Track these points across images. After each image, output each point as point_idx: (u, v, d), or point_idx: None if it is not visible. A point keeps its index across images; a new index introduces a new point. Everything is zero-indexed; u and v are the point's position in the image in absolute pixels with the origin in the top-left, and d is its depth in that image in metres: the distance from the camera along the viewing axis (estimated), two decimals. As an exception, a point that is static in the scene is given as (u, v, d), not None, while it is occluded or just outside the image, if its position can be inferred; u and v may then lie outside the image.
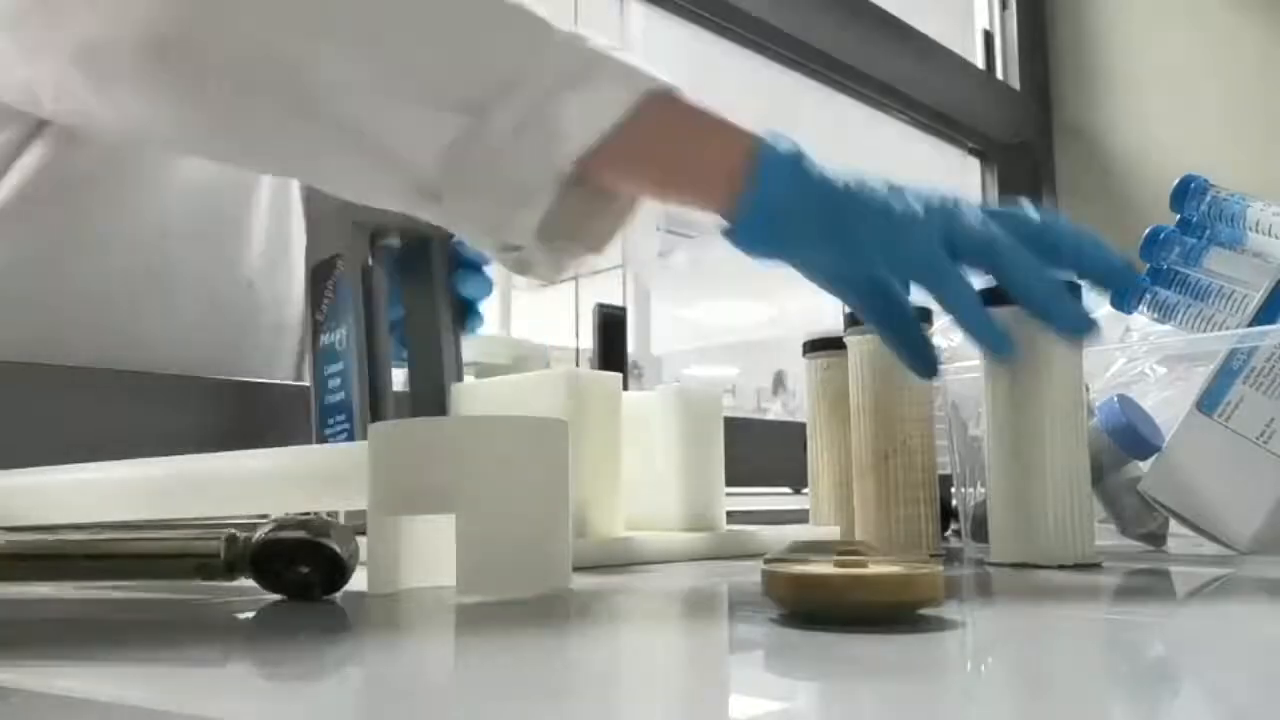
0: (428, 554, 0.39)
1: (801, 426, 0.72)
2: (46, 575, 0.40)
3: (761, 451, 0.65)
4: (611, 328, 0.76)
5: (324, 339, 0.61)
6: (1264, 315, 0.57)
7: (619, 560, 0.52)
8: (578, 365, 0.82)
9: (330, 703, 0.24)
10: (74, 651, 0.30)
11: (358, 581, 0.37)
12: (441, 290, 0.63)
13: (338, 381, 0.59)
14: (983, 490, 0.66)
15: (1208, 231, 0.64)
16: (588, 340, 0.79)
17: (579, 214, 0.48)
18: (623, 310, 0.77)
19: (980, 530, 0.65)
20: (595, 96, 0.45)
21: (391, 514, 0.38)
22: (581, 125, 0.45)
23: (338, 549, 0.36)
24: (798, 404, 2.13)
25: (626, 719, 0.22)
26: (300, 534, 0.37)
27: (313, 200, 0.63)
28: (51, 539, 0.39)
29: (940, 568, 0.32)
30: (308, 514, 0.38)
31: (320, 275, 0.61)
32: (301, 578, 0.36)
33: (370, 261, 0.61)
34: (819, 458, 0.70)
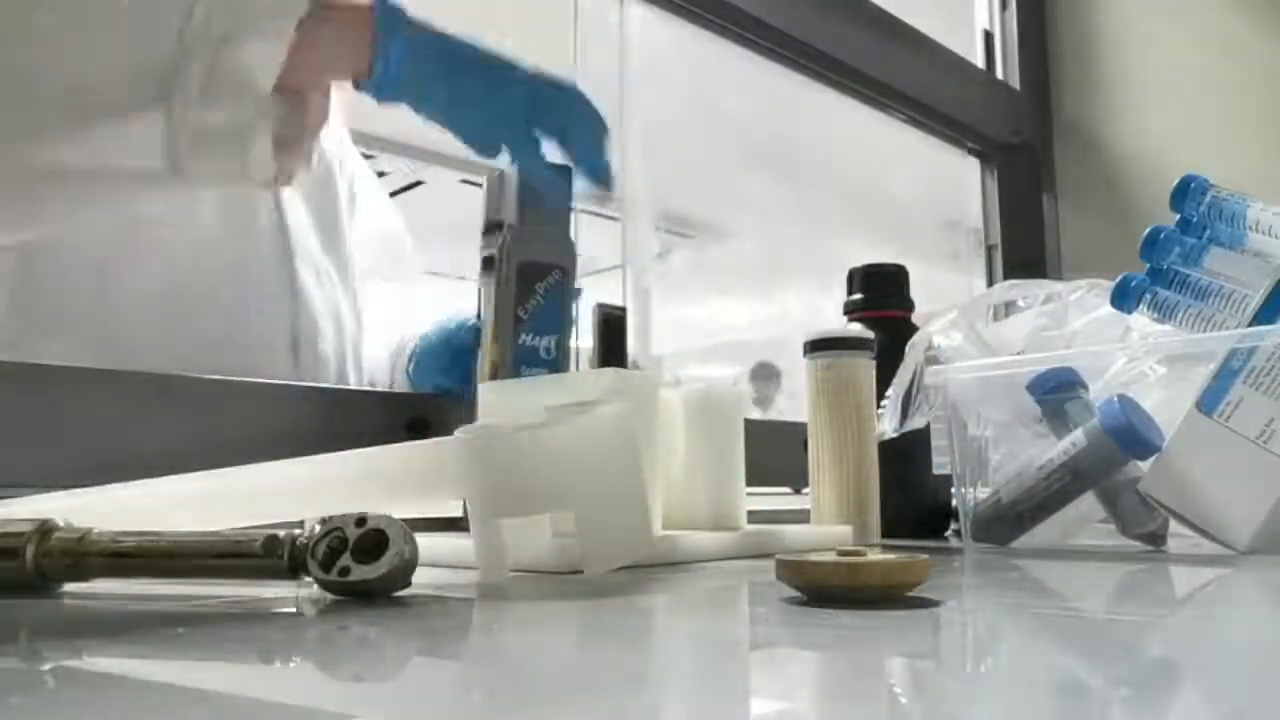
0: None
1: (802, 426, 0.72)
2: (127, 572, 0.39)
3: (761, 451, 0.65)
4: (611, 327, 0.76)
5: (525, 339, 0.61)
6: (1264, 315, 0.57)
7: (661, 559, 0.52)
8: (577, 365, 0.82)
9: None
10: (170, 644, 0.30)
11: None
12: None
13: None
14: (984, 490, 0.66)
15: (1208, 231, 0.64)
16: (588, 340, 0.79)
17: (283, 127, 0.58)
18: (623, 310, 0.77)
19: (981, 530, 0.65)
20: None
21: (498, 516, 0.41)
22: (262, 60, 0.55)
23: (405, 548, 0.37)
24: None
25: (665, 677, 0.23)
26: (365, 530, 0.37)
27: (525, 200, 0.63)
28: (119, 540, 0.39)
29: (926, 556, 0.37)
30: (364, 516, 0.38)
31: (530, 275, 0.62)
32: (379, 578, 0.36)
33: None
34: (819, 458, 0.70)
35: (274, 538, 0.37)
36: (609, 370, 0.55)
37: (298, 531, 0.38)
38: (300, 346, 0.76)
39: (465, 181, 2.27)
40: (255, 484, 0.45)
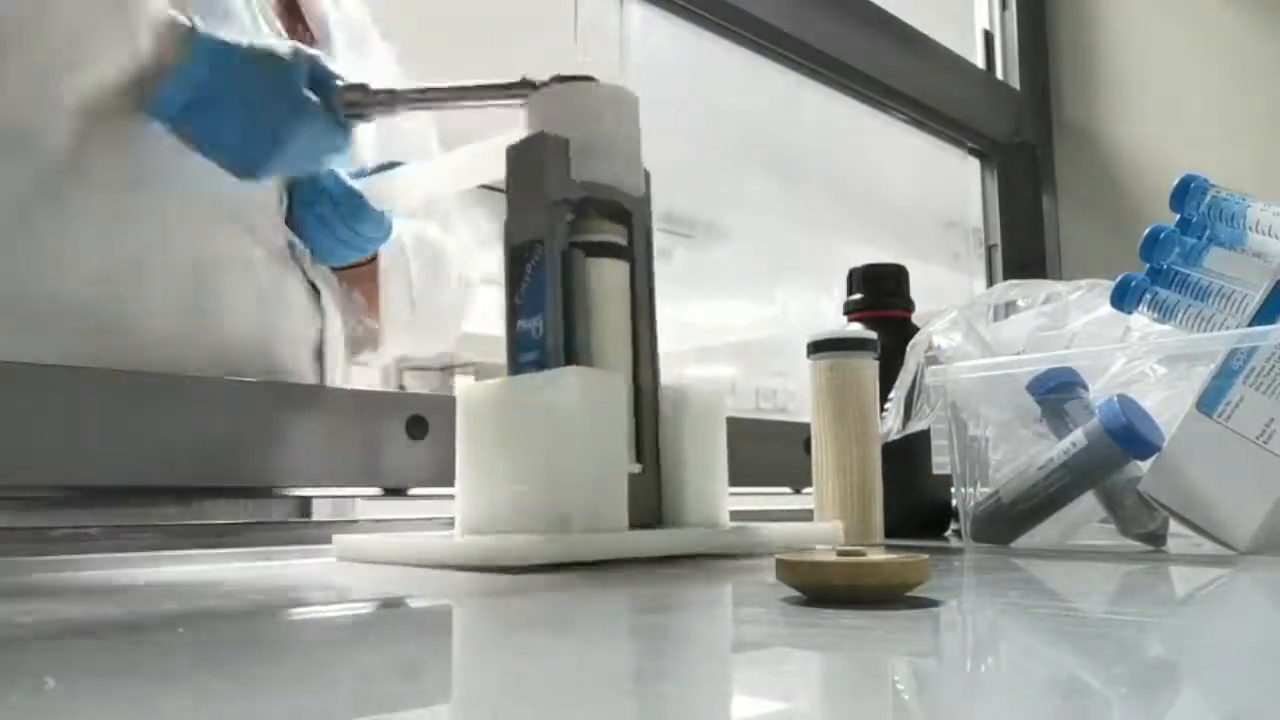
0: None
1: (801, 426, 0.72)
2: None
3: (761, 451, 0.65)
4: None
5: (520, 324, 0.57)
6: (1264, 315, 0.57)
7: (629, 554, 0.52)
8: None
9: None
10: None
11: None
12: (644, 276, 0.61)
13: (533, 371, 0.56)
14: (984, 490, 0.66)
15: (1208, 231, 0.64)
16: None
17: None
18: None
19: (981, 530, 0.65)
20: None
21: None
22: None
23: None
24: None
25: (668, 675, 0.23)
26: None
27: (513, 177, 0.58)
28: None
29: (927, 556, 0.37)
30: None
31: (518, 258, 0.57)
32: None
33: (570, 246, 0.57)
34: (822, 457, 0.70)
35: None
36: (570, 369, 0.54)
37: None
38: (325, 353, 0.75)
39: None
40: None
